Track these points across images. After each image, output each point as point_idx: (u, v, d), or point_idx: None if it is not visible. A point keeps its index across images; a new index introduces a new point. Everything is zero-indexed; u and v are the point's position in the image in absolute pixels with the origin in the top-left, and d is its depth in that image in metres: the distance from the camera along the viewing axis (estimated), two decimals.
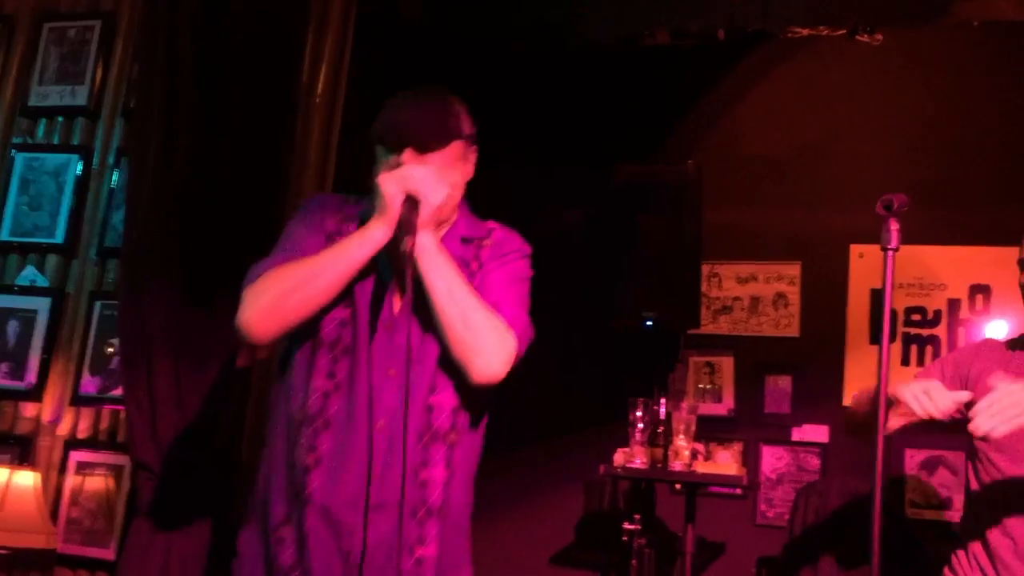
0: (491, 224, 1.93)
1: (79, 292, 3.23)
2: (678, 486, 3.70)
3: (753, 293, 4.24)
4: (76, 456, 3.08)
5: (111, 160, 3.30)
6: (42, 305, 3.22)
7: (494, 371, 1.75)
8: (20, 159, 3.37)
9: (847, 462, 3.81)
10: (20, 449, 3.11)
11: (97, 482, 3.04)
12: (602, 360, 4.18)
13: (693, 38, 3.71)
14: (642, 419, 3.31)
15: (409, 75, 3.27)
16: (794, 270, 4.19)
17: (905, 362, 3.94)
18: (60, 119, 3.40)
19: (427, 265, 1.74)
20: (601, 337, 4.04)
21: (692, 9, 3.45)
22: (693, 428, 3.30)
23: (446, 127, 1.80)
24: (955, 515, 3.64)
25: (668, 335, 3.84)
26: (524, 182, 3.84)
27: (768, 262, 4.23)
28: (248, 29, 2.92)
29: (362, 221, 1.81)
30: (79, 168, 3.31)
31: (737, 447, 4.04)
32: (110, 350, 3.11)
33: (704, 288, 4.06)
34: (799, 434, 4.07)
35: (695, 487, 3.39)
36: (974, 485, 2.16)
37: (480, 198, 1.96)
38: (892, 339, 3.84)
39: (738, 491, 3.92)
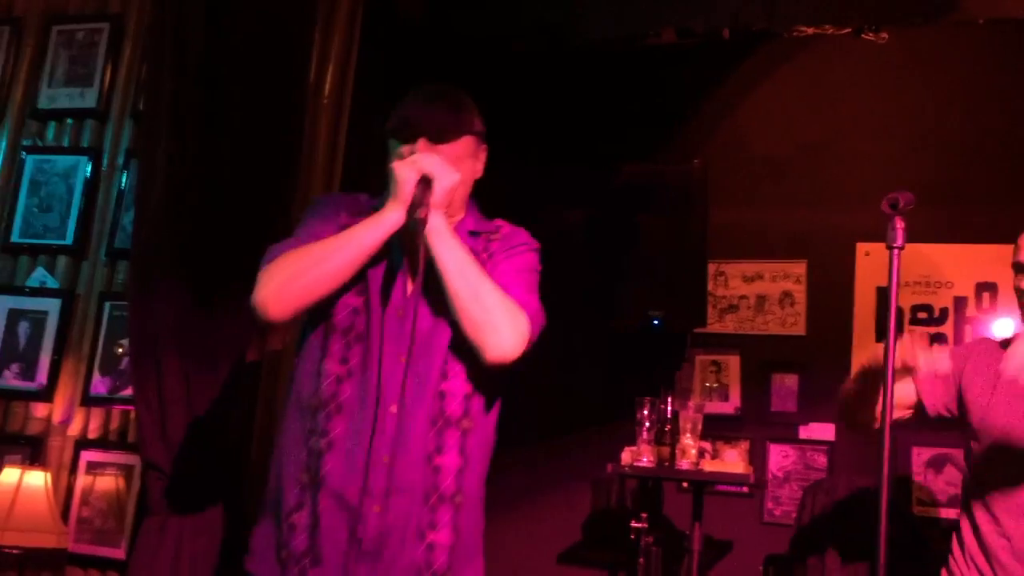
0: (499, 222, 1.96)
1: (89, 293, 3.25)
2: (685, 484, 3.70)
3: (759, 292, 4.24)
4: (87, 456, 3.10)
5: (120, 162, 3.32)
6: (52, 306, 3.24)
7: (507, 349, 1.75)
8: (30, 161, 3.40)
9: (854, 460, 3.81)
10: (31, 449, 3.13)
11: (108, 482, 3.06)
12: (609, 359, 4.18)
13: (697, 37, 3.70)
14: (649, 418, 3.32)
15: (410, 75, 3.28)
16: (800, 269, 4.19)
17: None
18: (69, 121, 3.42)
19: (438, 245, 1.76)
20: (608, 337, 4.05)
21: (696, 8, 3.45)
22: (700, 427, 3.31)
23: (459, 121, 1.85)
24: None
25: (674, 334, 3.85)
26: (525, 182, 3.85)
27: (774, 261, 4.23)
28: (255, 30, 2.93)
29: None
30: (88, 170, 3.33)
31: (744, 445, 4.04)
32: (120, 350, 3.13)
33: (710, 287, 4.06)
34: (806, 432, 4.07)
35: (702, 485, 3.40)
36: (971, 486, 2.17)
37: (481, 198, 1.98)
38: (899, 337, 3.84)
39: (745, 489, 3.92)
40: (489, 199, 2.00)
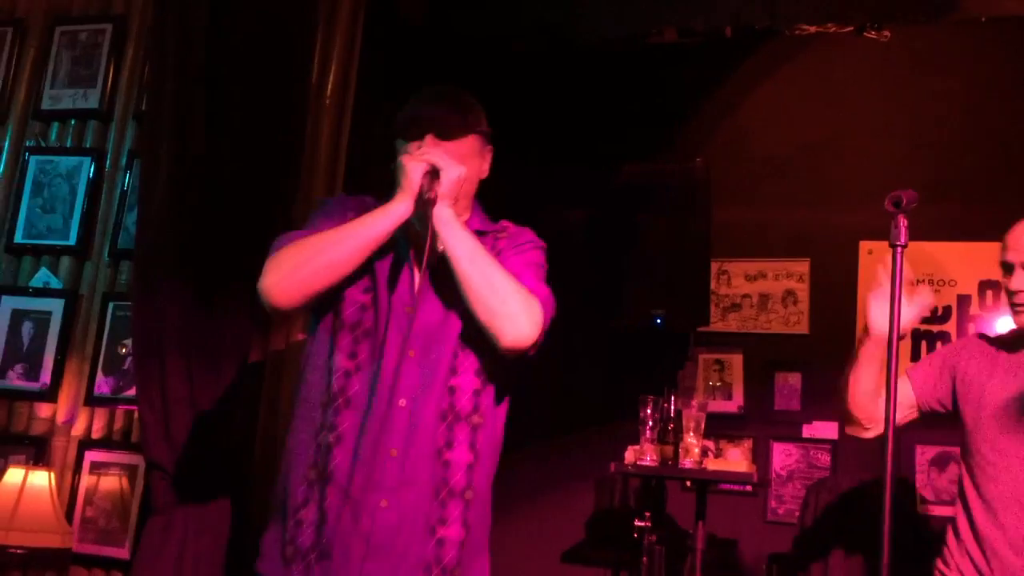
0: (504, 223, 1.98)
1: (92, 293, 3.25)
2: (688, 483, 3.71)
3: (762, 290, 4.24)
4: (90, 456, 3.10)
5: (123, 162, 3.32)
6: (56, 307, 3.25)
7: (523, 335, 1.75)
8: (33, 162, 3.40)
9: (857, 458, 3.81)
10: (35, 449, 3.14)
11: (111, 482, 3.07)
12: (612, 359, 4.19)
13: (699, 36, 3.70)
14: (652, 417, 3.32)
15: (411, 75, 3.29)
16: (803, 267, 4.20)
17: (915, 358, 3.93)
18: (73, 122, 3.43)
19: (447, 234, 1.77)
20: (610, 336, 4.05)
21: (698, 7, 3.45)
22: (703, 425, 3.31)
23: (466, 119, 1.86)
24: None
25: (677, 333, 3.85)
26: (526, 182, 3.86)
27: (777, 259, 4.23)
28: (257, 31, 2.94)
29: None
30: (92, 170, 3.33)
31: (747, 444, 4.04)
32: (123, 351, 3.14)
33: (713, 286, 4.07)
34: (809, 431, 4.07)
35: (705, 484, 3.40)
36: (965, 478, 2.18)
37: (482, 198, 1.98)
38: (901, 336, 3.84)
39: (748, 488, 3.93)
40: (490, 199, 2.01)
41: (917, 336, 3.98)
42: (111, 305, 3.20)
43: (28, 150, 3.43)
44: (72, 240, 3.29)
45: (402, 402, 1.77)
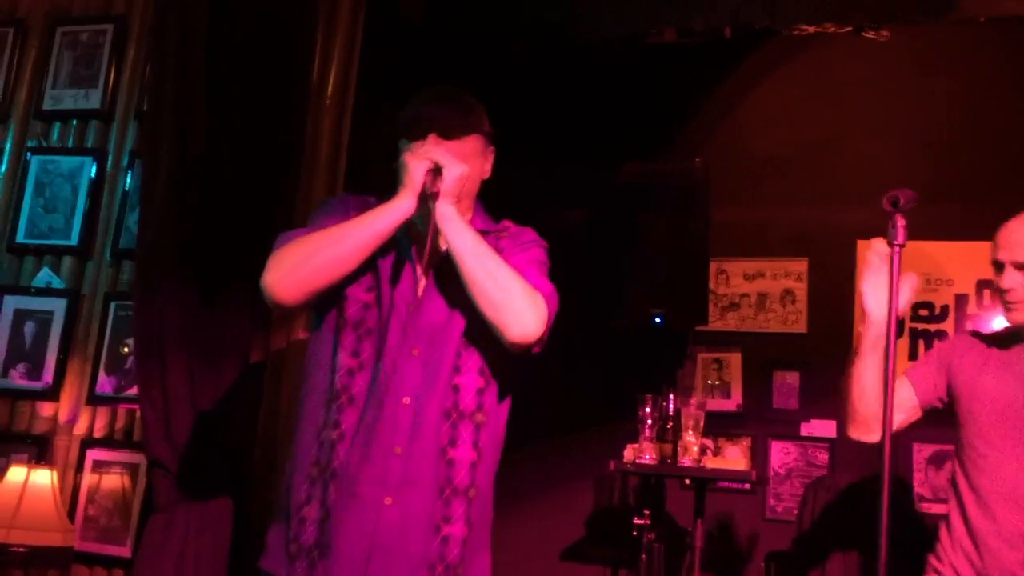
0: (506, 222, 1.99)
1: (94, 293, 3.26)
2: (687, 481, 3.72)
3: (760, 290, 4.26)
4: (92, 455, 3.11)
5: (125, 162, 3.33)
6: (58, 306, 3.26)
7: (529, 329, 1.76)
8: (35, 162, 3.41)
9: (855, 457, 3.82)
10: (37, 448, 3.15)
11: (113, 480, 3.08)
12: (611, 358, 4.20)
13: (698, 36, 3.71)
14: (651, 415, 3.33)
15: (411, 75, 3.30)
16: (801, 266, 4.21)
17: (913, 357, 3.95)
18: (74, 122, 3.44)
19: (450, 230, 1.78)
20: (610, 335, 4.06)
21: (697, 7, 3.46)
22: (702, 424, 3.32)
23: (468, 119, 1.87)
24: None
25: (676, 332, 3.86)
26: (526, 182, 3.87)
27: (775, 259, 4.24)
28: (258, 30, 2.95)
29: None
30: (93, 170, 3.34)
31: (746, 442, 4.06)
32: (125, 350, 3.15)
33: (711, 285, 4.08)
34: (807, 429, 4.08)
35: (704, 482, 3.41)
36: (957, 473, 2.20)
37: (483, 198, 1.99)
38: (900, 334, 3.86)
39: (747, 486, 3.94)
40: (490, 199, 2.02)
41: (915, 335, 4.00)
42: (113, 305, 3.21)
43: (30, 150, 3.44)
44: (74, 240, 3.30)
45: (406, 400, 1.78)
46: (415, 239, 1.85)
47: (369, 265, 1.82)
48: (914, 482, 3.88)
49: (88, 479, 3.10)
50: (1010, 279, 2.13)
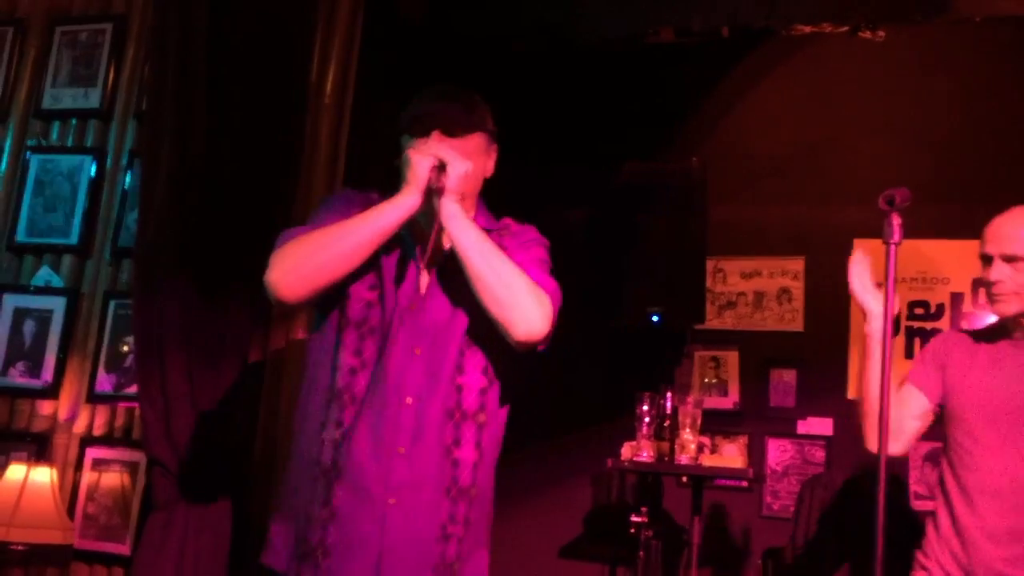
0: (507, 220, 1.99)
1: (94, 292, 3.27)
2: (684, 479, 3.73)
3: (757, 288, 4.27)
4: (92, 453, 3.12)
5: (124, 161, 3.33)
6: (57, 305, 3.26)
7: (535, 327, 1.75)
8: (35, 161, 3.41)
9: (852, 455, 3.84)
10: (37, 446, 3.15)
11: (113, 478, 3.08)
12: (609, 356, 4.21)
13: (696, 36, 3.73)
14: (648, 413, 3.35)
15: (411, 75, 3.30)
16: (798, 265, 4.23)
17: (909, 355, 3.97)
18: (73, 121, 3.44)
19: (455, 228, 1.77)
20: (608, 334, 4.08)
21: (695, 7, 3.48)
22: (699, 422, 3.34)
23: (472, 117, 1.87)
24: None
25: (674, 331, 3.87)
26: (526, 182, 3.87)
27: (772, 257, 4.26)
28: (257, 30, 2.95)
29: None
30: (93, 169, 3.34)
31: (743, 440, 4.08)
32: (125, 348, 3.15)
33: (709, 283, 4.10)
34: (804, 427, 4.10)
35: (701, 480, 3.43)
36: (945, 469, 2.22)
37: (483, 198, 2.00)
38: (896, 333, 3.87)
39: (744, 484, 3.96)
40: (491, 199, 2.02)
41: (911, 333, 4.02)
42: (112, 303, 3.21)
43: (29, 149, 3.44)
44: (73, 239, 3.31)
45: (408, 400, 1.78)
46: (418, 238, 1.85)
47: (372, 263, 1.81)
48: (910, 479, 3.90)
49: (88, 477, 3.10)
50: (998, 271, 2.15)
